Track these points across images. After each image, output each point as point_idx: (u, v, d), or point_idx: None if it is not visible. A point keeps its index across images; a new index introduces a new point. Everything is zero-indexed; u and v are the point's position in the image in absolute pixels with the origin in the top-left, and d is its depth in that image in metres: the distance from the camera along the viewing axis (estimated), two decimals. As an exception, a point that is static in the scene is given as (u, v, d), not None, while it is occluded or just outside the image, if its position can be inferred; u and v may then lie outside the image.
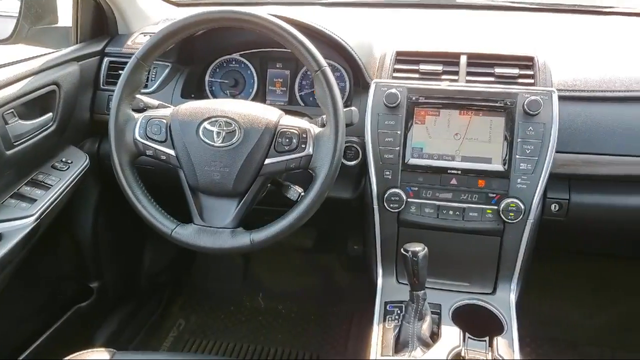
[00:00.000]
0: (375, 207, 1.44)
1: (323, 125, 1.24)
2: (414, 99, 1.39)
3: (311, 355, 2.13)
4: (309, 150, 1.20)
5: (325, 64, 1.19)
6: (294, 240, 2.40)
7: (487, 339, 1.26)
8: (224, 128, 1.21)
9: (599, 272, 2.23)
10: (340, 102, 1.19)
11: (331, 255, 2.50)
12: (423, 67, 1.46)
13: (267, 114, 1.24)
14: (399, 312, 1.35)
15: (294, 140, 1.20)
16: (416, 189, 1.40)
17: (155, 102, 1.36)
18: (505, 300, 1.42)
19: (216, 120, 1.21)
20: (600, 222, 1.50)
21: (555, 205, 1.45)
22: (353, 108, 1.24)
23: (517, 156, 1.33)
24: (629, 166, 1.41)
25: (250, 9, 1.22)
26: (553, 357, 2.08)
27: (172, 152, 1.24)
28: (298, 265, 2.52)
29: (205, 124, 1.22)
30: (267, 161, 1.21)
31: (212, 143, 1.21)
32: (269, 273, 2.52)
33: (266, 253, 2.39)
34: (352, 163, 1.48)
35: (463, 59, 1.46)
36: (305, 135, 1.21)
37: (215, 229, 1.23)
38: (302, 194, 1.26)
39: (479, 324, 1.34)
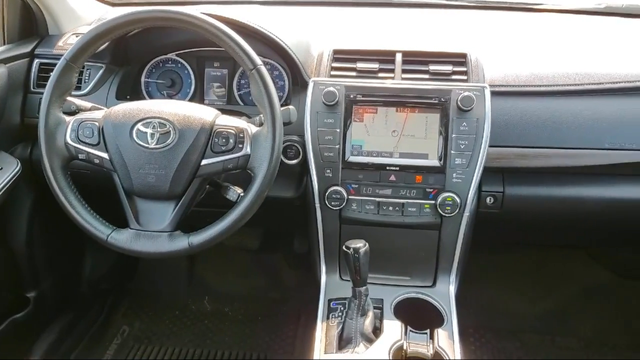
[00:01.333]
0: (317, 205, 1.44)
1: (261, 125, 1.23)
2: (352, 96, 1.40)
3: (259, 355, 2.12)
4: (247, 150, 1.19)
5: (260, 62, 1.18)
6: (239, 240, 2.39)
7: (428, 331, 1.29)
8: (158, 129, 1.18)
9: (536, 262, 2.32)
10: (276, 101, 1.18)
11: (277, 254, 2.49)
12: (360, 65, 1.47)
13: (202, 113, 1.22)
14: (342, 309, 1.36)
15: (231, 140, 1.19)
16: (356, 186, 1.42)
17: (88, 105, 1.33)
18: (444, 293, 1.46)
19: (150, 122, 1.19)
20: (533, 213, 1.55)
21: (490, 198, 1.49)
22: (290, 107, 1.24)
23: (452, 151, 1.36)
24: (559, 158, 1.45)
25: (182, 8, 1.20)
26: (494, 346, 2.13)
27: (105, 155, 1.21)
28: (244, 265, 2.50)
29: (139, 126, 1.19)
30: (203, 162, 1.19)
31: (146, 145, 1.18)
32: (215, 275, 2.49)
33: (211, 254, 2.37)
34: (293, 162, 1.48)
35: (398, 57, 1.48)
36: (242, 135, 1.20)
37: (152, 232, 1.21)
38: (242, 194, 1.24)
39: (420, 317, 1.36)
